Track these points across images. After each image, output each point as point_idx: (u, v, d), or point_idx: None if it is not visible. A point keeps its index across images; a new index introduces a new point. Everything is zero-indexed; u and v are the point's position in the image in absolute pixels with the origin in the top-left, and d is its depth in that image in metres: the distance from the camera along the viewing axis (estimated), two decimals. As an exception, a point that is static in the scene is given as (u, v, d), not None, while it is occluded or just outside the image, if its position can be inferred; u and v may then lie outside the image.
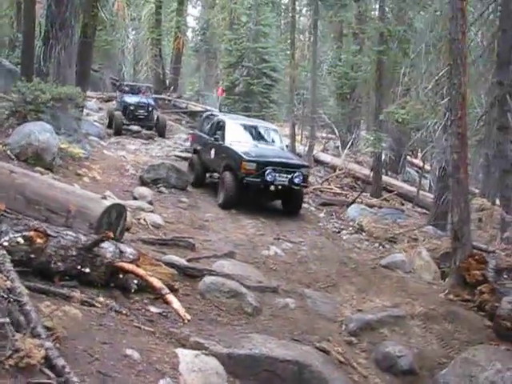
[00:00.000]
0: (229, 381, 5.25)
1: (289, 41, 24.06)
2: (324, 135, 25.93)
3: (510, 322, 6.97)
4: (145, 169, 14.23)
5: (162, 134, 21.34)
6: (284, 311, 7.69)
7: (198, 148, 15.20)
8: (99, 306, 5.55)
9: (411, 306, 8.19)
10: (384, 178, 19.63)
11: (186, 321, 5.33)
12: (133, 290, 6.32)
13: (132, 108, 21.48)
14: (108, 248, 6.12)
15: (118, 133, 20.67)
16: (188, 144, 20.07)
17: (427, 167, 23.21)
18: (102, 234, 6.29)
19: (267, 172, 12.40)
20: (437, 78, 9.65)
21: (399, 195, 19.24)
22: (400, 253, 10.61)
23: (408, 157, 24.98)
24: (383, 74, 18.73)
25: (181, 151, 18.86)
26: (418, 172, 26.13)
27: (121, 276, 6.27)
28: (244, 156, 12.68)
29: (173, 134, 22.09)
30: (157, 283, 5.72)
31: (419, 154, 28.75)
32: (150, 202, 11.56)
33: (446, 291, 8.47)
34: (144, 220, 10.17)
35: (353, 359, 6.93)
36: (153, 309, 6.18)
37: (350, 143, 20.88)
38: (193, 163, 15.06)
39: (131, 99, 21.92)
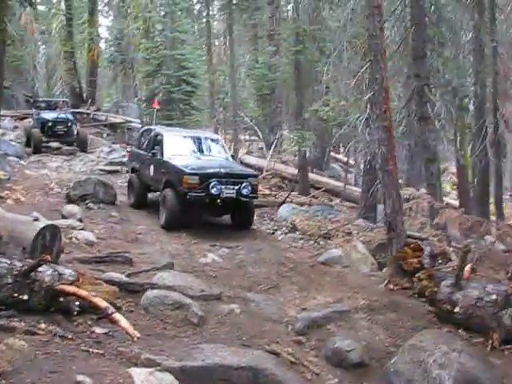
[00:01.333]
0: (185, 395, 5.15)
1: (204, 46, 24.10)
2: (247, 138, 26.06)
3: (449, 305, 7.20)
4: (70, 186, 13.82)
5: (83, 149, 20.80)
6: (230, 317, 7.63)
7: (137, 166, 14.20)
8: (42, 333, 5.34)
9: (354, 300, 8.33)
10: (310, 175, 19.96)
11: (135, 338, 5.18)
12: (75, 313, 6.11)
13: (50, 124, 20.81)
14: (45, 271, 5.90)
15: (37, 151, 19.97)
16: (112, 157, 19.71)
17: (351, 162, 23.81)
18: (37, 257, 6.05)
19: (212, 185, 11.46)
20: (359, 74, 9.85)
21: (327, 191, 19.61)
22: (336, 248, 10.76)
23: (331, 153, 25.48)
24: (302, 74, 19.04)
25: (105, 165, 18.44)
26: (342, 167, 26.78)
27: (61, 299, 6.05)
28: (185, 169, 11.73)
29: (95, 147, 21.56)
30: (101, 303, 5.54)
31: (341, 149, 29.49)
32: (80, 220, 11.22)
33: (386, 281, 8.65)
34: (76, 238, 9.88)
35: (303, 358, 6.96)
36: (98, 329, 6.00)
37: (273, 144, 21.03)
38: (131, 183, 14.03)
39: (49, 115, 21.24)
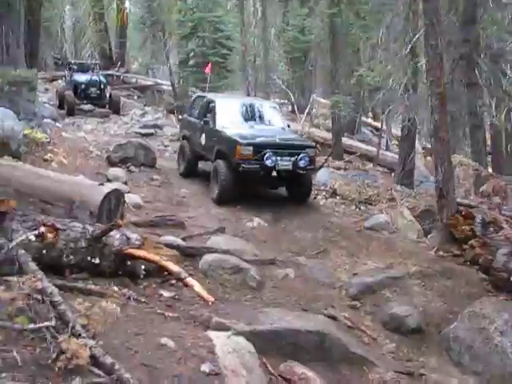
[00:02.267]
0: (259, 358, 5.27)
1: (235, 8, 23.81)
2: (278, 100, 25.90)
3: (506, 273, 7.22)
4: (110, 149, 13.93)
5: (116, 112, 20.84)
6: (285, 282, 7.77)
7: (188, 134, 13.59)
8: (117, 296, 5.45)
9: (405, 266, 8.38)
10: (343, 139, 19.86)
11: (210, 303, 5.29)
12: (141, 276, 6.25)
13: (83, 87, 20.85)
14: (115, 236, 6.00)
15: (70, 113, 20.04)
16: (145, 119, 19.76)
17: (383, 127, 23.58)
18: (104, 221, 6.17)
19: (267, 156, 10.77)
20: (414, 39, 9.70)
21: (360, 156, 19.56)
22: (382, 214, 10.75)
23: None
24: (337, 37, 18.78)
25: (140, 127, 18.50)
26: (372, 131, 26.62)
27: (129, 263, 6.18)
28: (238, 139, 11.00)
29: (127, 110, 21.60)
30: (173, 267, 5.66)
31: (369, 114, 29.22)
32: (125, 183, 11.34)
33: (435, 248, 8.68)
34: (124, 202, 9.98)
35: (360, 323, 7.08)
36: (165, 293, 6.12)
37: (308, 107, 20.89)
38: (183, 151, 13.55)
39: (82, 78, 21.25)
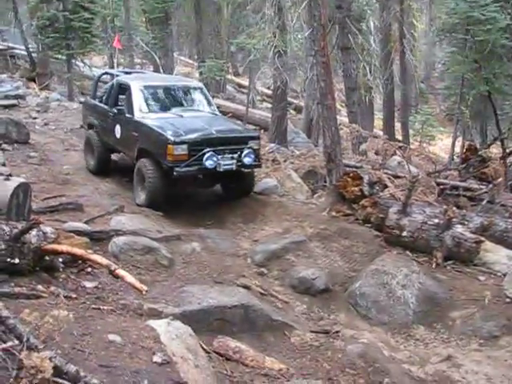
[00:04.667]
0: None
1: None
2: (139, 61, 25.35)
3: (398, 230, 7.94)
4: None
5: (-32, 81, 19.28)
6: (194, 256, 7.95)
7: (95, 122, 11.45)
8: (46, 295, 5.35)
9: (302, 229, 8.87)
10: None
11: (143, 292, 5.36)
12: (60, 270, 6.15)
13: None
14: (31, 232, 5.82)
15: None
16: (3, 90, 18.47)
17: (245, 83, 24.06)
18: (11, 217, 5.97)
19: (207, 156, 9.03)
20: (299, 11, 10.00)
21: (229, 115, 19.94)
22: (270, 177, 11.12)
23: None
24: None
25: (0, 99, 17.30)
26: (235, 88, 27.10)
27: (47, 258, 6.04)
28: (168, 136, 9.06)
29: (-21, 79, 20.05)
30: (102, 260, 5.62)
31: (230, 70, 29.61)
32: (3, 164, 10.74)
33: (328, 209, 9.24)
34: (31, 195, 9.50)
35: (270, 289, 7.48)
36: (87, 284, 6.07)
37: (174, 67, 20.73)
38: (90, 143, 11.36)
39: None
